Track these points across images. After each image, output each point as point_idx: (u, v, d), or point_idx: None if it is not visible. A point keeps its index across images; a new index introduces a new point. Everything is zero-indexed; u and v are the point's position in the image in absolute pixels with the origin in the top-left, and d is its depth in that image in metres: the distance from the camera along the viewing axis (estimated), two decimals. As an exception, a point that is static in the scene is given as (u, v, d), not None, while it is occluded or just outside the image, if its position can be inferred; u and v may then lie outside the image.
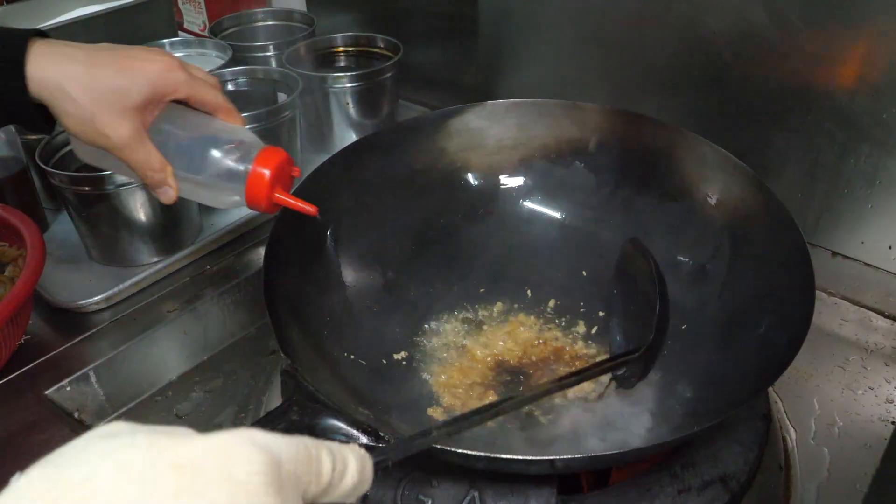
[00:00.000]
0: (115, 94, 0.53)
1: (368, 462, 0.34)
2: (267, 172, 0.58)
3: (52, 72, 0.52)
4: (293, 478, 0.29)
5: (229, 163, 0.58)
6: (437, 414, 0.63)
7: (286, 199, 0.59)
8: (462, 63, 1.06)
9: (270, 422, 0.45)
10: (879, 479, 0.63)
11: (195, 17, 1.43)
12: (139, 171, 0.56)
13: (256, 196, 0.58)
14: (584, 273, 0.74)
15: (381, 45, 1.06)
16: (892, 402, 0.70)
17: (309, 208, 0.60)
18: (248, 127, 0.86)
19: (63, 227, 0.89)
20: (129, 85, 0.53)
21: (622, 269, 0.68)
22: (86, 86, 0.52)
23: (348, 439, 0.46)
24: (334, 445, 0.32)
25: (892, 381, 0.72)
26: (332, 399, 0.49)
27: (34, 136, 0.86)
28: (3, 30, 0.54)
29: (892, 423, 0.68)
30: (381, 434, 0.46)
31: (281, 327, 0.57)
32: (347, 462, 0.32)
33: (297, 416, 0.46)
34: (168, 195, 0.58)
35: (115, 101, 0.53)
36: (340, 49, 1.08)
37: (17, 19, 1.08)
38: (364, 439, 0.47)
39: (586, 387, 0.64)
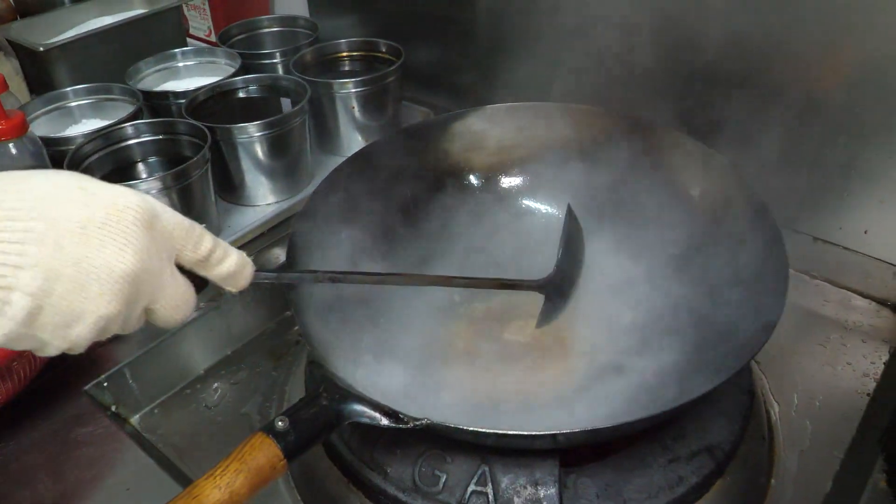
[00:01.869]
0: None
1: (249, 266, 0.48)
2: None
3: None
4: (166, 232, 0.41)
5: None
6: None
7: None
8: (461, 64, 1.11)
9: (303, 407, 0.51)
10: (855, 446, 0.68)
11: (201, 24, 1.47)
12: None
13: None
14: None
15: (384, 50, 1.11)
16: (868, 376, 0.75)
17: None
18: (260, 134, 0.91)
19: (88, 232, 0.94)
20: None
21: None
22: None
23: (372, 421, 0.52)
24: (223, 242, 0.45)
25: (868, 357, 0.77)
26: (354, 386, 0.54)
27: (59, 148, 0.91)
28: None
29: (868, 395, 0.73)
30: (401, 416, 0.52)
31: (307, 325, 0.62)
32: (229, 253, 0.45)
33: (327, 401, 0.51)
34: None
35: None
36: (345, 54, 1.13)
37: (31, 33, 1.12)
38: (385, 421, 0.52)
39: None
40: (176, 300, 0.43)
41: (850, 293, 0.85)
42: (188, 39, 1.38)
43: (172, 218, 0.42)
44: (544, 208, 0.82)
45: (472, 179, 0.83)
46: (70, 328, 0.39)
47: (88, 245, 0.37)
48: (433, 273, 0.76)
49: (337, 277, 0.59)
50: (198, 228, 0.44)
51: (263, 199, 0.98)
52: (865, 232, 0.82)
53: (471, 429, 0.52)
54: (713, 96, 0.85)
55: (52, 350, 0.40)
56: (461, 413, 0.64)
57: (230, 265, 0.46)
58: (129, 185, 0.79)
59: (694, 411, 0.62)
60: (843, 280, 0.85)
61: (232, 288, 0.47)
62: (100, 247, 0.38)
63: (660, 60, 0.88)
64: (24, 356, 0.68)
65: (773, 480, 0.66)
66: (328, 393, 0.52)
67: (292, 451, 0.47)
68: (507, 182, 0.83)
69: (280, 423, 0.48)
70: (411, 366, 0.68)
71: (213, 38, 1.46)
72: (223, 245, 0.46)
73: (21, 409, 0.71)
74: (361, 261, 0.74)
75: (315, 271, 0.55)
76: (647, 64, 0.88)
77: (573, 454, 0.59)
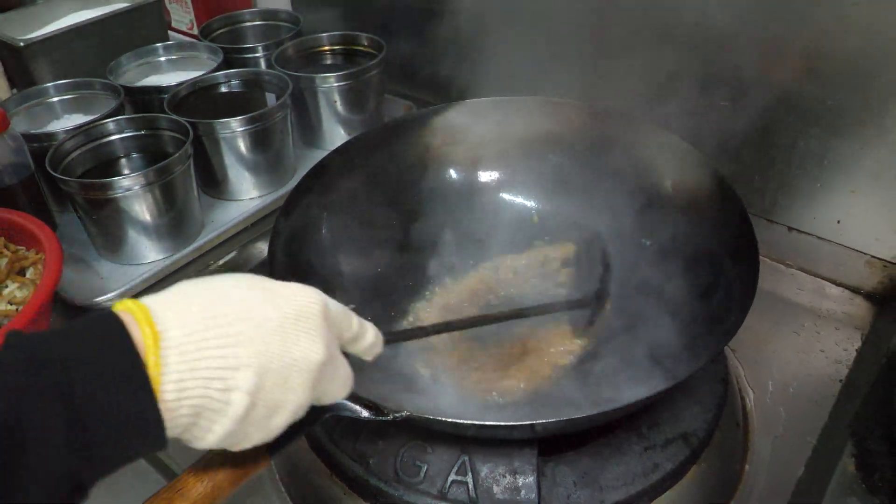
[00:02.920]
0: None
1: (380, 335, 0.50)
2: None
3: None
4: (334, 319, 0.45)
5: None
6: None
7: None
8: (442, 58, 1.11)
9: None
10: (826, 432, 0.70)
11: (183, 17, 1.47)
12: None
13: None
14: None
15: (366, 44, 1.11)
16: (840, 362, 0.77)
17: None
18: (243, 129, 0.92)
19: (70, 228, 0.95)
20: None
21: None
22: None
23: (353, 413, 0.53)
24: (359, 317, 0.48)
25: (841, 344, 0.79)
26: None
27: (40, 144, 0.91)
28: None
29: (840, 381, 0.75)
30: (382, 408, 0.53)
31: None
32: (367, 328, 0.48)
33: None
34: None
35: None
36: (327, 48, 1.13)
37: (11, 27, 1.11)
38: (366, 413, 0.53)
39: (560, 360, 0.71)
40: (345, 379, 0.47)
41: (823, 282, 0.87)
42: (170, 33, 1.38)
43: (335, 306, 0.46)
44: (522, 201, 0.83)
45: (453, 173, 0.83)
46: (272, 419, 0.42)
47: (287, 341, 0.41)
48: (417, 260, 0.77)
49: (438, 329, 0.61)
50: (348, 310, 0.47)
51: (247, 193, 0.99)
52: (838, 222, 0.83)
53: (450, 420, 0.53)
54: (691, 90, 0.86)
55: (250, 442, 0.42)
56: (442, 406, 0.65)
57: (370, 338, 0.49)
58: (114, 181, 0.81)
59: (669, 400, 0.64)
60: (816, 269, 0.87)
61: (369, 357, 0.50)
62: (296, 341, 0.41)
63: (636, 53, 0.89)
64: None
65: (747, 466, 0.68)
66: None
67: (274, 444, 0.48)
68: (487, 175, 0.84)
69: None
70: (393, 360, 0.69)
71: (195, 31, 1.46)
72: (362, 321, 0.49)
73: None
74: (343, 253, 0.75)
75: (424, 328, 0.56)
76: (626, 56, 0.89)
77: (551, 443, 0.60)
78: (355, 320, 0.48)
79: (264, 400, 0.40)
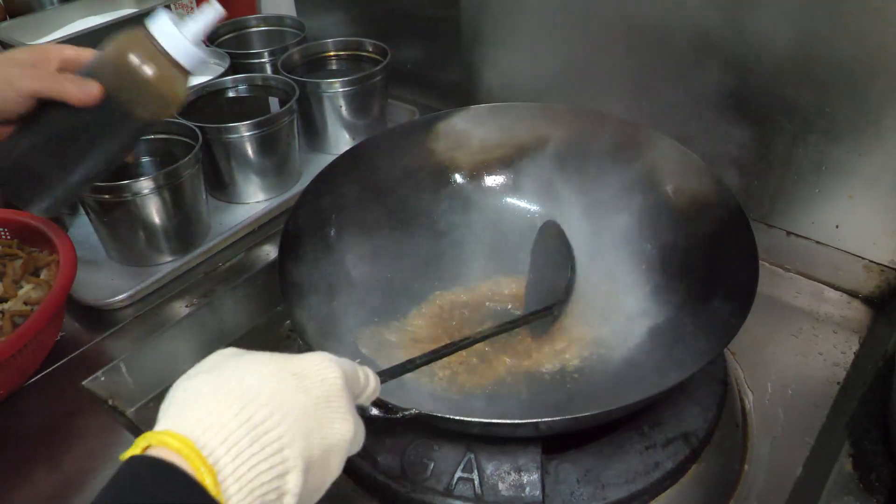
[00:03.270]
0: None
1: (377, 379, 0.50)
2: None
3: None
4: (350, 382, 0.45)
5: None
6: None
7: None
8: (446, 63, 1.13)
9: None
10: (823, 433, 0.71)
11: (188, 22, 1.48)
12: None
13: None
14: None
15: (370, 49, 1.13)
16: (838, 365, 0.79)
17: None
18: (250, 133, 0.93)
19: (80, 230, 0.96)
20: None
21: (539, 245, 0.77)
22: None
23: (362, 411, 0.54)
24: (361, 366, 0.48)
25: (838, 347, 0.81)
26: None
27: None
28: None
29: (838, 384, 0.76)
30: (390, 406, 0.54)
31: (297, 317, 0.64)
32: (370, 377, 0.49)
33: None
34: None
35: None
36: (332, 53, 1.15)
37: (20, 33, 1.13)
38: (375, 411, 0.54)
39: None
40: (362, 437, 0.48)
41: (821, 285, 0.88)
42: (176, 38, 1.39)
43: (349, 368, 0.46)
44: (527, 205, 0.85)
45: (458, 178, 0.85)
46: (312, 498, 0.42)
47: (322, 426, 0.42)
48: (422, 264, 0.78)
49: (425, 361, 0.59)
50: (356, 366, 0.48)
51: (253, 196, 1.00)
52: (836, 226, 0.85)
53: (458, 418, 0.55)
54: (689, 96, 0.88)
55: None
56: (449, 404, 0.66)
57: (372, 388, 0.50)
58: (125, 185, 0.82)
59: (670, 400, 0.65)
60: (814, 273, 0.89)
61: (366, 402, 0.51)
62: (330, 423, 0.42)
63: (638, 60, 0.90)
64: (24, 352, 0.70)
65: (746, 466, 0.69)
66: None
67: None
68: (491, 180, 0.85)
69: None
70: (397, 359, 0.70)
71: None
72: (365, 371, 0.49)
73: (21, 403, 0.73)
74: (349, 257, 0.77)
75: (413, 360, 0.57)
76: (628, 62, 0.90)
77: (555, 441, 0.62)
78: (361, 374, 0.48)
79: (308, 489, 0.40)
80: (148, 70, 0.61)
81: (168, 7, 1.23)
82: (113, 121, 0.63)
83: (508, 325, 0.67)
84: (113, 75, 0.61)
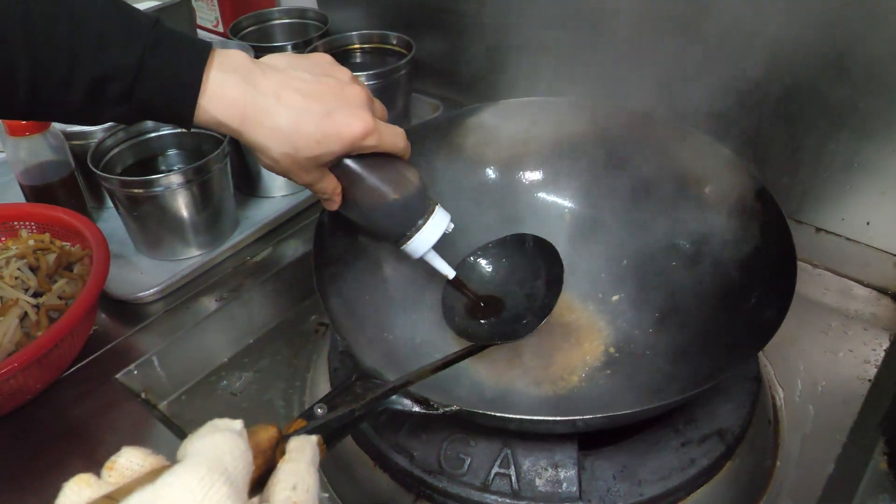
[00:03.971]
0: (311, 160, 0.57)
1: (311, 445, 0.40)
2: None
3: (253, 133, 0.55)
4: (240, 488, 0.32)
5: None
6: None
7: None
8: (471, 56, 1.13)
9: (339, 395, 0.53)
10: (855, 430, 0.71)
11: (208, 14, 1.49)
12: (314, 192, 0.62)
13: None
14: (591, 256, 0.82)
15: (394, 42, 1.13)
16: (868, 362, 0.78)
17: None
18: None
19: (108, 224, 0.97)
20: (326, 153, 0.57)
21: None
22: (286, 153, 0.56)
23: (404, 408, 0.55)
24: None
25: (869, 344, 0.80)
26: (384, 374, 0.57)
27: (79, 142, 0.93)
28: (181, 40, 0.54)
29: (869, 381, 0.76)
30: (432, 403, 0.55)
31: (334, 313, 0.65)
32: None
33: (361, 389, 0.54)
34: (331, 206, 0.64)
35: (310, 165, 0.58)
36: (356, 46, 1.15)
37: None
38: (417, 408, 0.55)
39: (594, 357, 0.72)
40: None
41: (851, 282, 0.88)
42: (199, 32, 1.39)
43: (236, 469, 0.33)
44: (559, 201, 0.84)
45: (489, 173, 0.85)
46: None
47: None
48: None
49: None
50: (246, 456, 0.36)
51: (279, 190, 1.01)
52: (867, 223, 0.84)
53: (498, 414, 0.55)
54: (719, 92, 0.87)
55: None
56: (484, 400, 0.67)
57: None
58: (155, 179, 0.82)
59: (704, 397, 0.65)
60: (844, 269, 0.88)
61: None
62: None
63: (667, 55, 0.90)
64: (61, 346, 0.71)
65: (777, 462, 0.69)
66: (361, 382, 0.55)
67: (331, 436, 0.50)
68: (522, 176, 0.85)
69: (319, 409, 0.51)
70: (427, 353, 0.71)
71: (219, 29, 1.48)
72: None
73: (57, 397, 0.74)
74: (382, 252, 0.77)
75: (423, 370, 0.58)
76: (657, 58, 0.90)
77: (590, 437, 0.62)
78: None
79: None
80: None
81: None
82: None
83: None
84: None
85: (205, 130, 0.93)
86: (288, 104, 0.55)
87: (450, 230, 0.68)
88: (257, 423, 0.39)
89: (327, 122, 0.56)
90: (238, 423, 0.35)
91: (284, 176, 0.60)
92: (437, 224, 0.67)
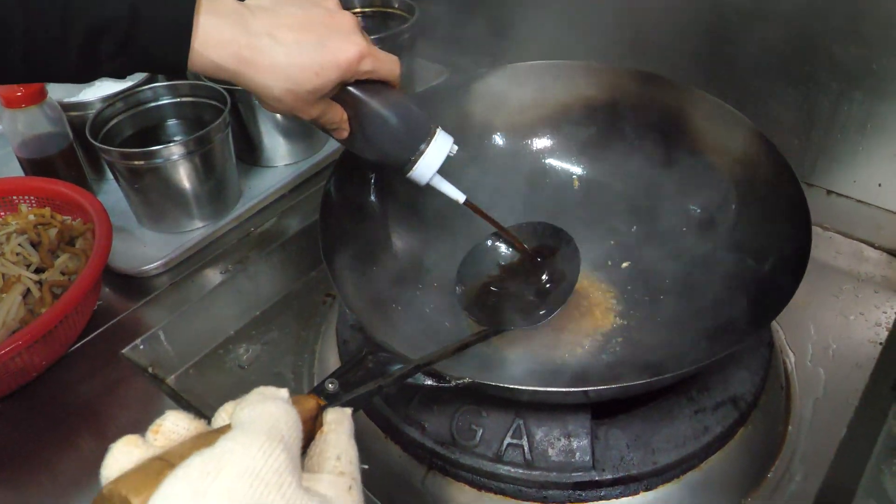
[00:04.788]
0: (313, 92, 0.58)
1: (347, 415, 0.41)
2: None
3: (252, 74, 0.56)
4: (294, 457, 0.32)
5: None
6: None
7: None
8: (475, 20, 1.10)
9: (350, 369, 0.53)
10: (868, 394, 0.71)
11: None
12: (323, 125, 0.63)
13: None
14: (601, 224, 0.81)
15: (396, 6, 1.10)
16: (880, 325, 0.78)
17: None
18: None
19: (108, 196, 0.95)
20: (326, 83, 0.58)
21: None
22: (288, 90, 0.57)
23: (416, 381, 0.54)
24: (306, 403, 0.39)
25: (880, 307, 0.80)
26: (395, 349, 0.56)
27: (77, 113, 0.91)
28: None
29: (880, 344, 0.76)
30: (444, 376, 0.54)
31: (343, 287, 0.64)
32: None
33: (373, 363, 0.53)
34: (341, 134, 0.65)
35: (312, 98, 0.59)
36: (358, 10, 1.12)
37: None
38: (429, 381, 0.54)
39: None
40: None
41: (862, 245, 0.87)
42: None
43: (291, 435, 0.34)
44: (569, 166, 0.83)
45: (497, 139, 0.83)
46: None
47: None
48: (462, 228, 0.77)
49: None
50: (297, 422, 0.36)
51: (282, 160, 0.99)
52: (879, 185, 0.83)
53: (510, 386, 0.54)
54: (732, 54, 0.86)
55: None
56: (496, 371, 0.66)
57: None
58: (156, 150, 0.81)
59: (717, 364, 0.65)
60: (855, 232, 0.87)
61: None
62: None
63: (679, 17, 0.88)
64: (65, 322, 0.70)
65: (790, 427, 0.69)
66: (373, 356, 0.54)
67: (354, 402, 0.49)
68: (531, 142, 0.83)
69: (330, 385, 0.50)
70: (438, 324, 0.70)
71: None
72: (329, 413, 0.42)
73: (63, 374, 0.74)
74: (390, 221, 0.76)
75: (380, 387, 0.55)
76: (669, 20, 0.88)
77: (603, 406, 0.62)
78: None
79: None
80: None
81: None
82: None
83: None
84: None
85: (205, 99, 0.92)
86: (282, 41, 0.56)
87: (453, 153, 0.67)
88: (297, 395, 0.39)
89: (323, 52, 0.57)
90: (285, 392, 0.36)
91: (290, 114, 0.60)
92: (440, 146, 0.66)
